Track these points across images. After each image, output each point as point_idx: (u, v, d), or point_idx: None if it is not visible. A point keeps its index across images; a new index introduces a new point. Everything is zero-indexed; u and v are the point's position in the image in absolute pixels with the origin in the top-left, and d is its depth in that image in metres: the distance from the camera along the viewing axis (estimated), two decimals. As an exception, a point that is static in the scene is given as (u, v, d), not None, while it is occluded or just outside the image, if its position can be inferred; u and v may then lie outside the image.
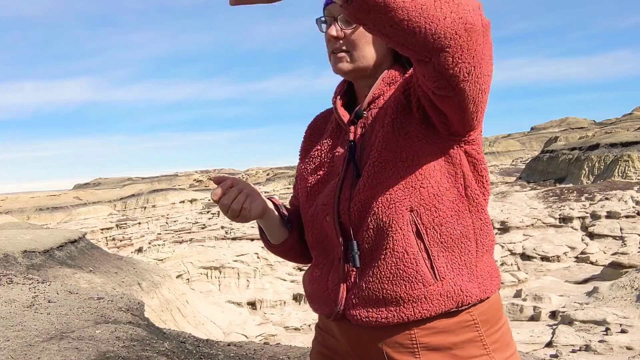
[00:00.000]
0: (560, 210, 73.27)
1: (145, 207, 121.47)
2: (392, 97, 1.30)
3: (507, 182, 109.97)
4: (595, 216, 69.49)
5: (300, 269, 48.84)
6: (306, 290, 1.48)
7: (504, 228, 67.49)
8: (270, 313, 43.43)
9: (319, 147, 1.46)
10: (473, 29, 1.02)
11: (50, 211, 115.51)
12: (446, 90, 1.09)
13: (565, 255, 61.46)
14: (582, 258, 60.41)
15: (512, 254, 61.21)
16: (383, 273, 1.25)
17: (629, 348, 27.54)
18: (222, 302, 40.48)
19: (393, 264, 1.24)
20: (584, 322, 32.04)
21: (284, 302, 45.60)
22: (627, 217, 67.06)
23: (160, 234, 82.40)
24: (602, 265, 53.19)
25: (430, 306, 1.23)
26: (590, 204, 73.33)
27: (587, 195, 77.97)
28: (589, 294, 39.73)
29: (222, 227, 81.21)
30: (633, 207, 68.74)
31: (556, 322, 35.06)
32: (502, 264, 57.85)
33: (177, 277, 41.14)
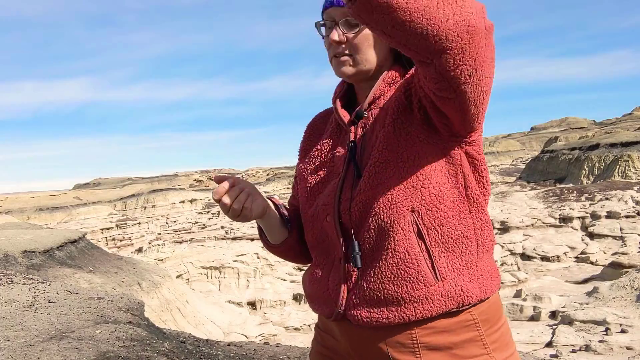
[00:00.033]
0: (560, 210, 73.24)
1: (145, 207, 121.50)
2: (393, 98, 1.30)
3: (507, 182, 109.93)
4: (595, 216, 69.46)
5: (300, 269, 48.75)
6: (306, 291, 1.48)
7: (504, 228, 67.47)
8: (270, 313, 43.42)
9: (319, 147, 1.45)
10: (475, 32, 1.02)
11: (50, 211, 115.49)
12: (447, 92, 1.09)
13: (565, 255, 61.42)
14: (582, 258, 60.38)
15: (512, 254, 61.19)
16: (384, 273, 1.25)
17: (629, 348, 27.52)
18: (222, 302, 40.45)
19: (394, 264, 1.24)
20: (584, 322, 32.02)
21: (284, 302, 45.59)
22: (627, 217, 67.03)
23: (160, 234, 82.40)
24: (602, 265, 53.17)
25: (431, 306, 1.23)
26: (590, 204, 73.29)
27: (587, 195, 77.95)
28: (589, 294, 39.71)
29: (222, 227, 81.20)
30: (633, 207, 68.71)
31: (556, 322, 35.04)
32: (502, 264, 57.81)
33: (177, 277, 41.13)
